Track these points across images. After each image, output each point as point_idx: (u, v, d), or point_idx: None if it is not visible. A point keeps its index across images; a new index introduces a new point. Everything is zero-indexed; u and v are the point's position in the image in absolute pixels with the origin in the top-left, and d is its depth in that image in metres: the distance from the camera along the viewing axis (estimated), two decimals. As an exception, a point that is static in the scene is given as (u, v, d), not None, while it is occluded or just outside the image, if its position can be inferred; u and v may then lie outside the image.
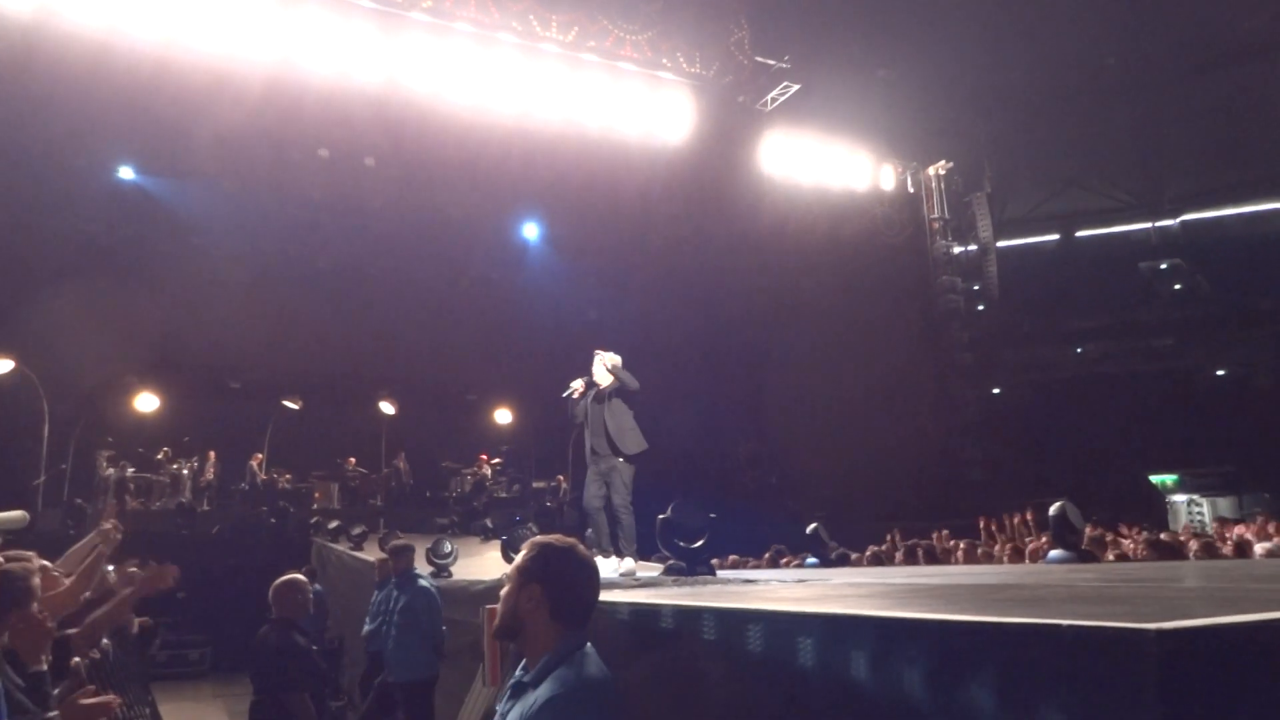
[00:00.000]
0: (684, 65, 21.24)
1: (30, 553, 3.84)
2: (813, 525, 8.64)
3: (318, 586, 10.40)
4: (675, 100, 20.89)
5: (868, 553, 8.71)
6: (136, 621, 6.19)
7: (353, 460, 17.72)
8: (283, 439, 17.18)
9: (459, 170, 18.34)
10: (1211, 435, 24.39)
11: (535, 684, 1.92)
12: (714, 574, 4.24)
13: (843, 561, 8.93)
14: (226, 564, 13.36)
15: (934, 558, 8.42)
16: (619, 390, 5.66)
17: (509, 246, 20.76)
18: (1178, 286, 30.55)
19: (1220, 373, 29.06)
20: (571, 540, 2.16)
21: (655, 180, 19.91)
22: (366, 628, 7.44)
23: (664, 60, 20.93)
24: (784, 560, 10.14)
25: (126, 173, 16.98)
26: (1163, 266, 31.29)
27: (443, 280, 19.67)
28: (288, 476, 16.64)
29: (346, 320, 18.06)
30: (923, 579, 3.24)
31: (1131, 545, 7.14)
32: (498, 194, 19.22)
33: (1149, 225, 33.75)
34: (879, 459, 20.75)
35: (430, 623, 6.04)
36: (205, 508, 15.70)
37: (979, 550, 7.88)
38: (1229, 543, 7.50)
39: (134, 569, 4.91)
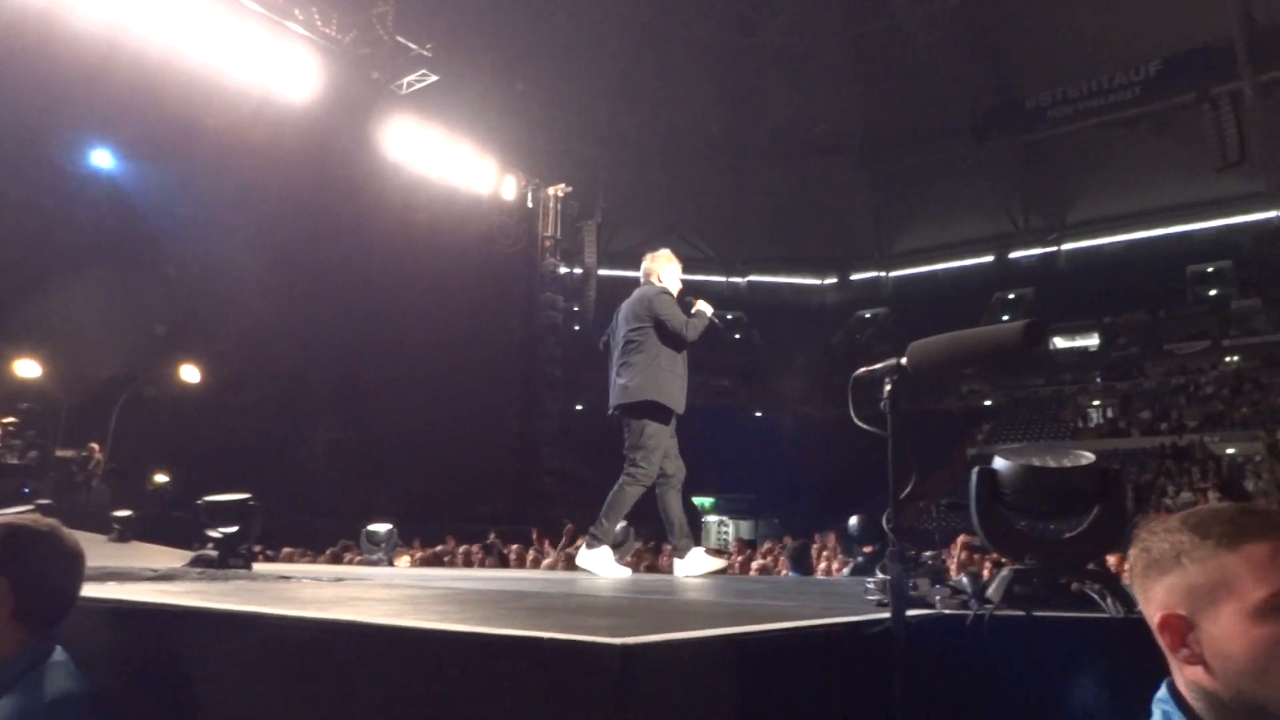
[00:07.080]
0: (318, 23, 19.80)
1: None
2: (387, 526, 8.41)
3: None
4: (301, 57, 19.32)
5: (426, 554, 8.76)
6: None
7: None
8: None
9: (16, 73, 15.02)
10: (742, 467, 28.53)
11: None
12: (249, 568, 3.87)
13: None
14: None
15: (503, 561, 8.72)
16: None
17: (71, 173, 17.49)
18: (737, 336, 35.59)
19: (758, 414, 34.33)
20: (52, 523, 1.78)
21: (268, 138, 18.16)
22: None
23: (296, 11, 19.30)
24: (349, 559, 9.78)
25: None
26: (729, 317, 36.31)
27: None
28: None
29: None
30: (464, 583, 3.28)
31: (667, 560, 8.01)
32: (66, 110, 16.10)
33: (723, 279, 39.31)
34: (466, 460, 21.00)
35: None
36: None
37: (536, 557, 8.32)
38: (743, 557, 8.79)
39: None
